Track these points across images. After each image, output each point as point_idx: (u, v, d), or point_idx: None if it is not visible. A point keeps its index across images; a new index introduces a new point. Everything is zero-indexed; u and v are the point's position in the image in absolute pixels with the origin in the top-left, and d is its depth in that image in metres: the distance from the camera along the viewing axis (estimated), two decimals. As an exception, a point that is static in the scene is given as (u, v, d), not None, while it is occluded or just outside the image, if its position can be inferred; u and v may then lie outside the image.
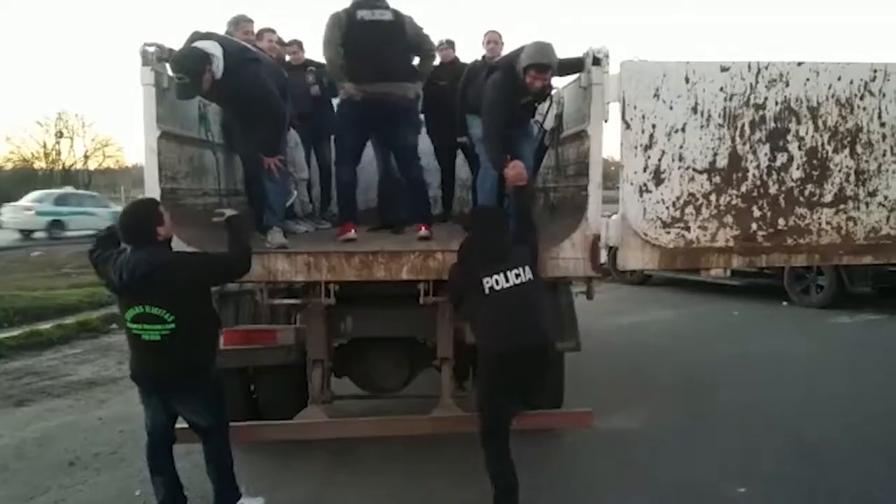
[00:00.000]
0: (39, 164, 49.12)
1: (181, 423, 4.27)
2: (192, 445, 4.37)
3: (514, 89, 4.94)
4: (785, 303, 11.72)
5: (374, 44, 5.17)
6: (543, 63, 4.75)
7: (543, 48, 4.78)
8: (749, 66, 4.41)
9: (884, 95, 4.50)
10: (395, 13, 5.23)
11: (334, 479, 5.15)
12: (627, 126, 4.40)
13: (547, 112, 5.90)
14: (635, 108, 4.38)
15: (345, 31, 5.20)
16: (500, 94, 4.97)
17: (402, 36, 5.21)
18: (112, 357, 8.86)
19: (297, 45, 6.92)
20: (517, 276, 4.20)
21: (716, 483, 4.95)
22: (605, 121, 4.48)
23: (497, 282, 4.18)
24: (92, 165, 52.19)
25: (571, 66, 4.83)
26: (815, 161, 4.50)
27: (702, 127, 4.42)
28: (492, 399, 4.32)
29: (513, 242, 4.40)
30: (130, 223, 4.01)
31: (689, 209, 4.48)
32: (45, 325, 10.23)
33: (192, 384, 4.10)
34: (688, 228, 4.49)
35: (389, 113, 5.28)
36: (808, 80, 4.44)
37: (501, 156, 4.81)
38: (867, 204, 4.56)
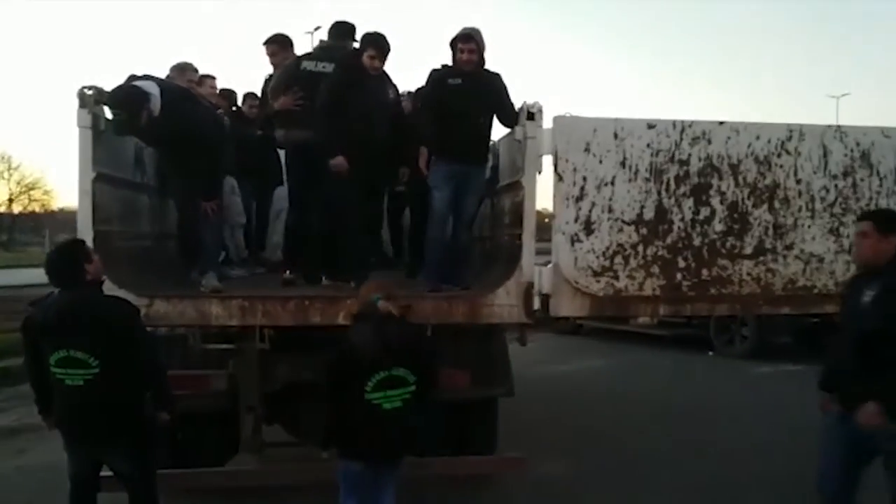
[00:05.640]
0: (-39, 208, 47.55)
1: (106, 471, 4.14)
2: (117, 494, 4.23)
3: (442, 73, 5.21)
4: (710, 353, 12.05)
5: (309, 94, 5.32)
6: (465, 34, 5.06)
7: (466, 26, 5.14)
8: (674, 124, 4.65)
9: (799, 154, 4.79)
10: (338, 66, 5.33)
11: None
12: (560, 178, 4.57)
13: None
14: (567, 161, 4.56)
15: (289, 80, 5.36)
16: (429, 81, 5.29)
17: None
18: (33, 405, 8.45)
19: (255, 97, 6.95)
20: None
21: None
22: (539, 172, 4.64)
23: None
24: (17, 209, 50.86)
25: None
26: (735, 215, 4.74)
27: (630, 180, 4.61)
28: None
29: None
30: (56, 263, 3.92)
31: (619, 259, 4.64)
32: (-37, 373, 9.80)
33: (116, 431, 3.95)
34: (617, 277, 4.65)
35: (320, 161, 5.34)
36: (729, 138, 4.70)
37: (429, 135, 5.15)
38: (784, 256, 4.80)
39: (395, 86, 6.09)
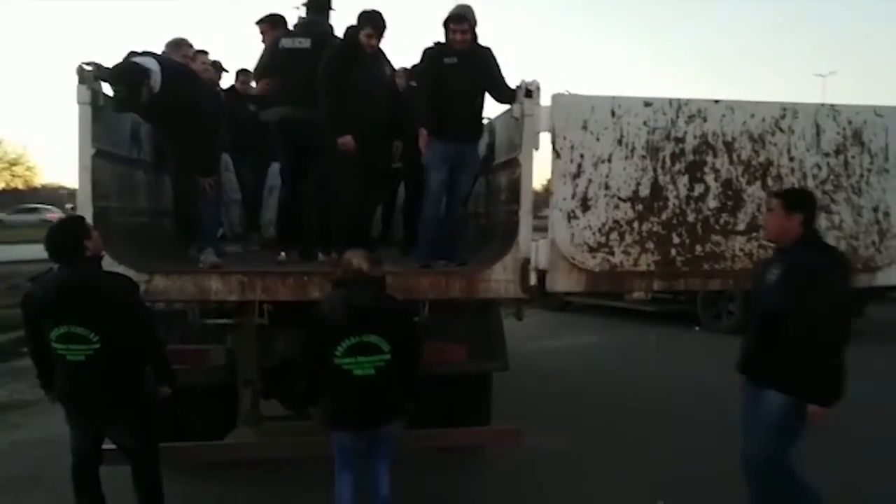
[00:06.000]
0: (-57, 183, 47.04)
1: (108, 444, 4.19)
2: (120, 467, 4.27)
3: (437, 52, 5.20)
4: (697, 328, 12.19)
5: (290, 71, 5.38)
6: (457, 14, 5.05)
7: (459, 5, 5.11)
8: (670, 103, 4.70)
9: (792, 132, 4.86)
10: (315, 41, 5.36)
11: (266, 500, 5.12)
12: (557, 155, 4.61)
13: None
14: (565, 138, 4.60)
15: (270, 59, 5.46)
16: (424, 60, 5.29)
17: (318, 63, 5.26)
18: (25, 381, 8.46)
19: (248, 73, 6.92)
20: None
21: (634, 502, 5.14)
22: (536, 149, 4.68)
23: None
24: (-2, 185, 50.47)
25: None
26: (729, 192, 4.81)
27: (626, 158, 4.67)
28: None
29: None
30: (57, 238, 3.92)
31: (614, 235, 4.71)
32: (-48, 350, 9.78)
33: (118, 405, 4.00)
34: (612, 253, 4.72)
35: (302, 137, 5.39)
36: (723, 116, 4.76)
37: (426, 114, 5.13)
38: (777, 233, 4.87)
39: (390, 63, 6.09)
